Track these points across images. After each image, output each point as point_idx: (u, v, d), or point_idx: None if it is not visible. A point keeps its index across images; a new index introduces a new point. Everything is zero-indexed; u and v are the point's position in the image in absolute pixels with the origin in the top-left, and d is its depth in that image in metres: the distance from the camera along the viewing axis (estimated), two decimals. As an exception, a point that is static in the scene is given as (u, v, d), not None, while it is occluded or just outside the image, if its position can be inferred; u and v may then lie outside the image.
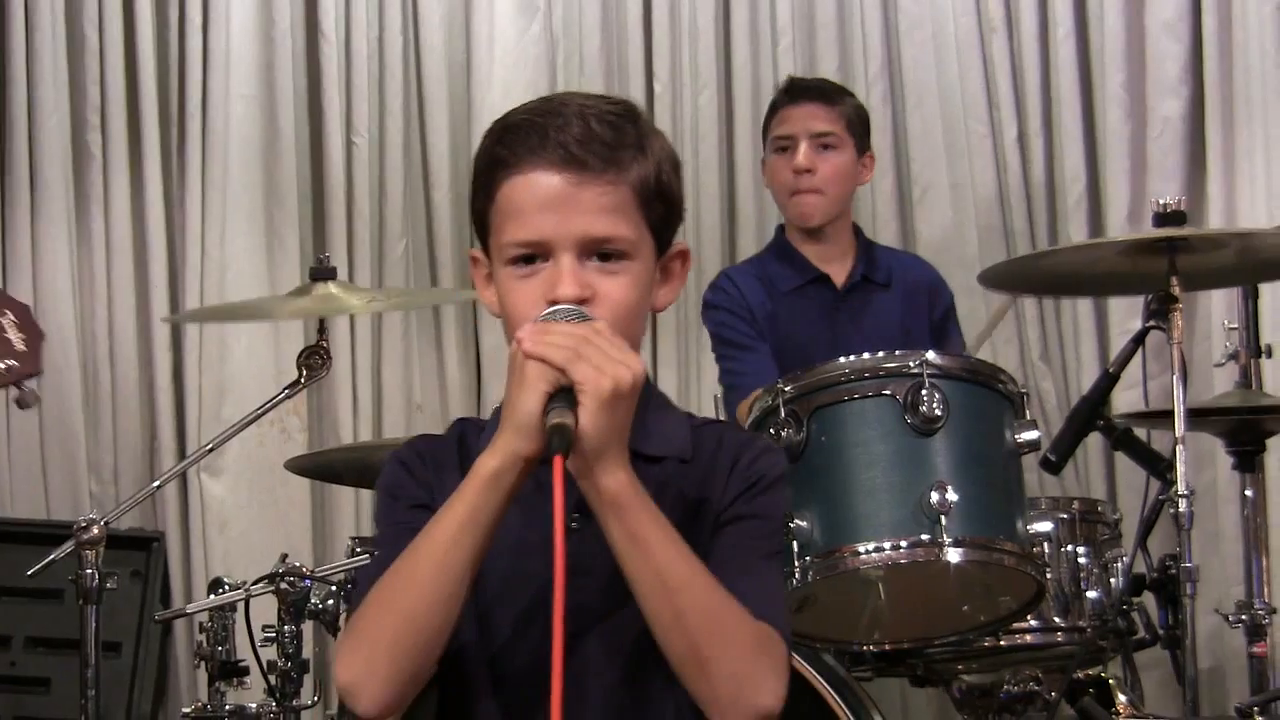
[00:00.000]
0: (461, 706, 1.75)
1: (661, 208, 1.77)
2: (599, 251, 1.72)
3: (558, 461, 1.53)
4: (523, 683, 1.71)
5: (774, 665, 1.68)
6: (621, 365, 1.59)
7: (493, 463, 1.63)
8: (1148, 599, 3.05)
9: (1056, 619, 3.01)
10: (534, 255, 1.72)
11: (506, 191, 1.73)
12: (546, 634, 1.49)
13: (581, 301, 1.69)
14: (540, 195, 1.71)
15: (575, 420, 1.57)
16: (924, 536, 2.68)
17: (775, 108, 3.61)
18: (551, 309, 1.67)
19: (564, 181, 1.70)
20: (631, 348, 1.70)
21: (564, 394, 1.59)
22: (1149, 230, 3.01)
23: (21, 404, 2.30)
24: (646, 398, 1.71)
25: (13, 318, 2.25)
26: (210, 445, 3.11)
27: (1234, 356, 3.45)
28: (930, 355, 2.79)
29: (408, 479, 1.80)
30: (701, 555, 1.70)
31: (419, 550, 1.66)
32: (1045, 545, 2.96)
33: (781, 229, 3.70)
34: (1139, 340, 3.03)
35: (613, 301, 1.71)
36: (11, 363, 2.24)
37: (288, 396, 3.09)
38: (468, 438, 1.82)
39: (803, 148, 3.51)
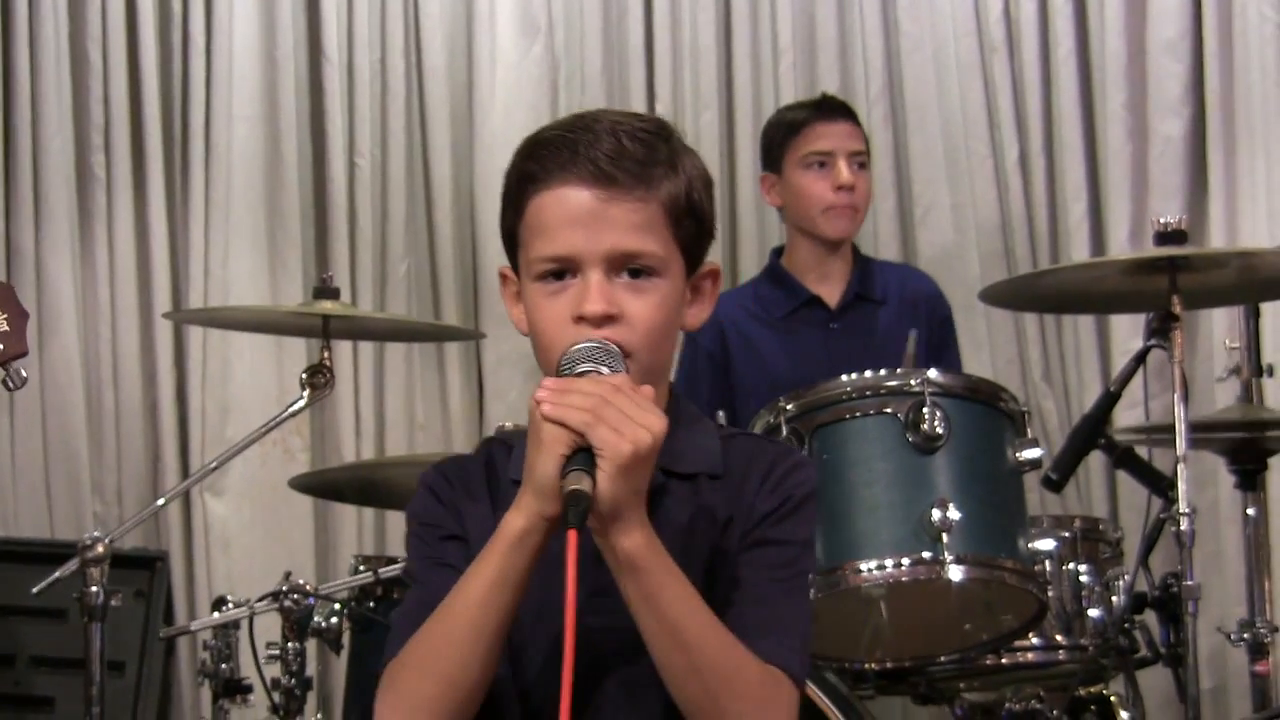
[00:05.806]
0: None
1: (692, 226, 1.76)
2: (628, 268, 1.71)
3: (571, 535, 1.52)
4: (555, 713, 1.72)
5: (782, 716, 1.69)
6: (641, 428, 1.57)
7: (519, 523, 1.62)
8: (1149, 617, 3.05)
9: (1058, 637, 3.01)
10: (562, 271, 1.71)
11: (536, 207, 1.73)
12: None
13: (609, 318, 1.69)
14: (569, 210, 1.70)
15: (593, 482, 1.56)
16: (925, 554, 2.68)
17: (802, 124, 3.55)
18: (577, 347, 1.66)
19: (593, 197, 1.70)
20: (661, 366, 1.71)
21: (582, 455, 1.57)
22: (1150, 249, 3.01)
23: (9, 385, 2.23)
24: (676, 415, 1.71)
25: None
26: (215, 464, 3.12)
27: (1235, 371, 3.45)
28: (932, 373, 2.80)
29: (437, 507, 1.79)
30: (730, 569, 1.71)
31: (453, 611, 1.65)
32: (1047, 563, 2.97)
33: (776, 252, 3.69)
34: (1140, 359, 3.04)
35: (641, 321, 1.70)
36: None
37: (293, 414, 3.10)
38: (496, 460, 1.81)
39: (843, 164, 3.50)
